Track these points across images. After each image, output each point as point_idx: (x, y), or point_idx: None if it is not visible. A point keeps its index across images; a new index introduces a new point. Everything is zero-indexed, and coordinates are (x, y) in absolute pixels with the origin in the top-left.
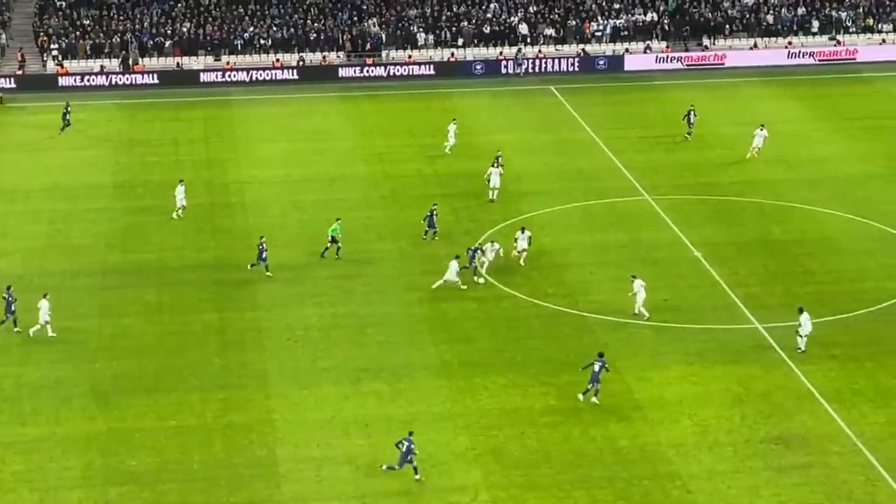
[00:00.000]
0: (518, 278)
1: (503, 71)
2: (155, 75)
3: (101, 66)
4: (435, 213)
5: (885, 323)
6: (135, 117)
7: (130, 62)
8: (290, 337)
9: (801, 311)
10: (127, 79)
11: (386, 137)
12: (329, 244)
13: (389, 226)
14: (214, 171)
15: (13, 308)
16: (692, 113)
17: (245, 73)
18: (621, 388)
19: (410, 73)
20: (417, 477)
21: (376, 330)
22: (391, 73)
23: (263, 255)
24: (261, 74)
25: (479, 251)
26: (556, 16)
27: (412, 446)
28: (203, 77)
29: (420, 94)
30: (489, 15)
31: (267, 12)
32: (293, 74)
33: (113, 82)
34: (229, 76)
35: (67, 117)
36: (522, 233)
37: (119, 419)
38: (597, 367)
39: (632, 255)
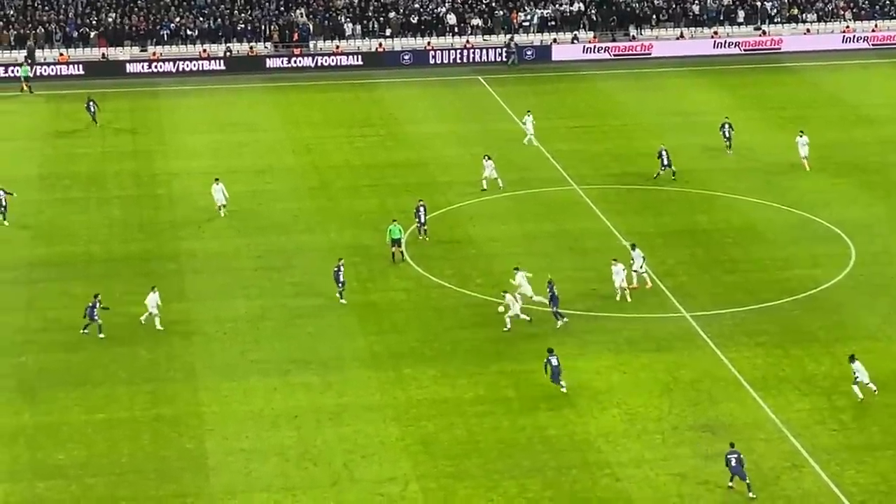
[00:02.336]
0: (446, 268)
1: (430, 61)
2: (80, 66)
3: (26, 57)
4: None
5: (811, 311)
6: (61, 108)
7: (36, 54)
8: (219, 329)
9: (852, 358)
10: (53, 69)
11: (314, 128)
12: (393, 248)
13: (318, 217)
14: (141, 162)
15: (95, 315)
16: (727, 126)
17: (171, 63)
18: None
19: (338, 63)
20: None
21: (305, 321)
22: (319, 64)
23: (341, 279)
24: (187, 65)
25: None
26: (484, 6)
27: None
28: (129, 68)
29: (348, 85)
30: (417, 5)
31: (193, 2)
32: (220, 65)
33: (38, 73)
34: (155, 67)
35: (93, 109)
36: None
37: (46, 413)
38: (555, 361)
39: (560, 244)
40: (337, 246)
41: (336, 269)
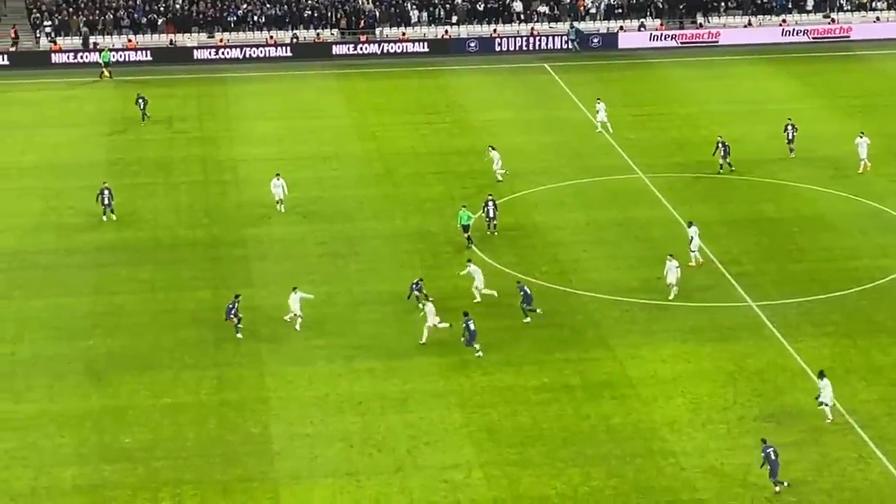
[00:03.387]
0: (511, 256)
1: (496, 49)
2: (148, 52)
3: (94, 44)
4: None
5: (878, 301)
6: (128, 95)
7: (91, 41)
8: (284, 315)
9: (821, 375)
10: (121, 56)
11: (380, 115)
12: (466, 234)
13: (383, 203)
14: (208, 148)
15: (233, 313)
16: (791, 127)
17: (238, 50)
18: (615, 365)
19: (405, 50)
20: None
21: (370, 308)
22: (385, 51)
23: (419, 287)
24: (254, 52)
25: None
26: None
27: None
28: (196, 54)
29: (414, 72)
30: None
31: None
32: (287, 52)
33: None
34: (223, 53)
35: (143, 105)
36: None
37: (113, 396)
38: (472, 326)
39: (625, 232)
40: (402, 233)
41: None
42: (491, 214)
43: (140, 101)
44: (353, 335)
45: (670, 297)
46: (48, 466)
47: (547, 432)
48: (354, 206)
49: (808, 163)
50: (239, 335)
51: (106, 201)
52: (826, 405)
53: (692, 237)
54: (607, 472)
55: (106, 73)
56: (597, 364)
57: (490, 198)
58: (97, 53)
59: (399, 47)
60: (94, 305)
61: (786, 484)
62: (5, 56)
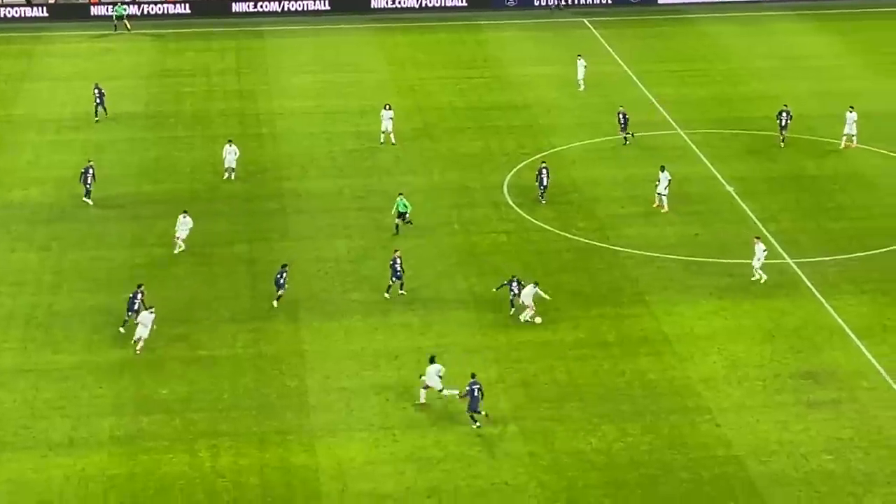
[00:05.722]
0: (548, 212)
1: (535, 2)
2: (187, 5)
3: None
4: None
5: None
6: (166, 47)
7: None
8: (321, 269)
9: (432, 360)
10: (159, 8)
11: (418, 70)
12: (398, 220)
13: (421, 158)
14: (246, 102)
15: (282, 282)
16: (785, 114)
17: (276, 3)
18: (651, 322)
19: (443, 4)
20: (477, 425)
21: (406, 262)
22: (423, 5)
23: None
24: (292, 5)
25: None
26: None
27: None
28: (234, 7)
29: (452, 26)
30: None
31: None
32: (325, 5)
33: (145, 12)
34: (261, 6)
35: (99, 100)
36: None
37: (150, 349)
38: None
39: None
40: (439, 188)
41: (392, 261)
42: (544, 183)
43: (97, 92)
44: (397, 293)
45: (753, 278)
46: (86, 416)
47: (583, 388)
48: (392, 160)
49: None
50: (276, 303)
51: (88, 182)
52: (443, 393)
53: (661, 180)
54: (642, 427)
55: (127, 25)
56: (633, 320)
57: (543, 165)
58: (111, 6)
59: (438, 1)
60: (132, 257)
61: (485, 414)
62: (44, 8)
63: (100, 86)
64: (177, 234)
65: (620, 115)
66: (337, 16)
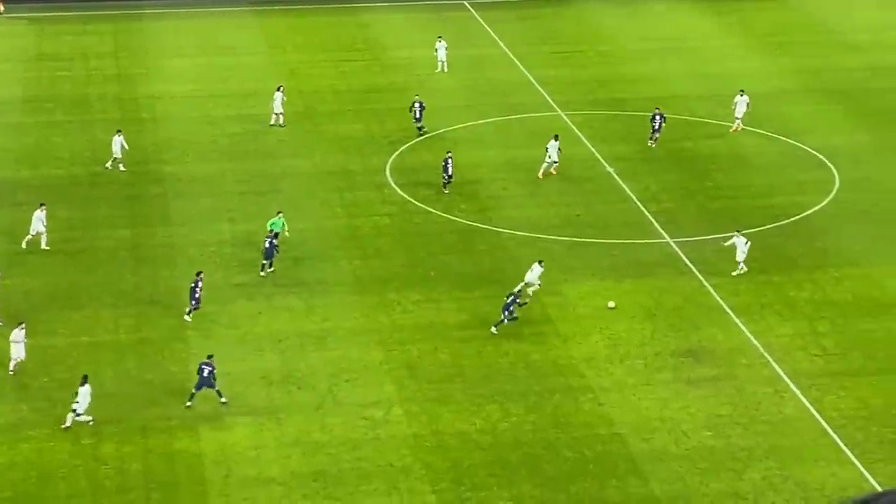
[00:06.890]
0: (431, 194)
1: None
2: None
3: None
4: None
5: (794, 237)
6: (43, 31)
7: None
8: (203, 253)
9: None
10: None
11: (299, 53)
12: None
13: (303, 141)
14: (125, 85)
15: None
16: (657, 117)
17: None
18: (534, 303)
19: None
20: (223, 400)
21: (290, 246)
22: None
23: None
24: None
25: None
26: None
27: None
28: None
29: (332, 9)
30: None
31: None
32: None
33: None
34: None
35: None
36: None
37: (30, 335)
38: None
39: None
40: (322, 171)
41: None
42: (449, 172)
43: None
44: (273, 273)
45: (734, 273)
46: None
47: (467, 369)
48: (274, 143)
49: (726, 100)
50: (188, 318)
51: None
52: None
53: (550, 149)
54: (526, 407)
55: (0, 8)
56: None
57: (449, 154)
58: None
59: None
60: (11, 244)
61: (223, 400)
62: None
63: None
64: (31, 231)
65: (416, 105)
66: None
